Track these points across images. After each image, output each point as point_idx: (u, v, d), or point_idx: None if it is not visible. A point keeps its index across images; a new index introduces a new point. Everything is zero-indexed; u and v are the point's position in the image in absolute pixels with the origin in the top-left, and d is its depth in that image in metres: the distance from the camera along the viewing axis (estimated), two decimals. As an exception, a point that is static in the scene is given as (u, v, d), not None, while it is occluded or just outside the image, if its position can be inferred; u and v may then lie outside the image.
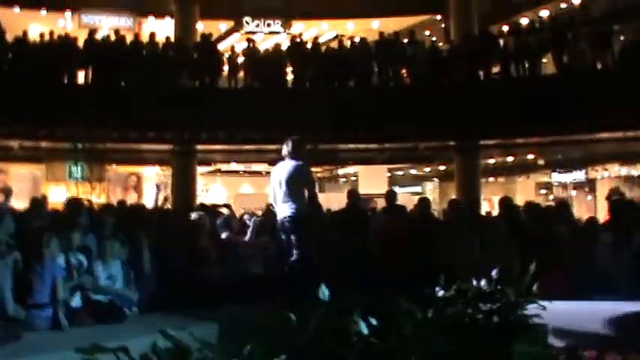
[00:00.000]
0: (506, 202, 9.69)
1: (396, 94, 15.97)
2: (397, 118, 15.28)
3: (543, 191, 24.24)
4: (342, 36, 17.88)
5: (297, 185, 7.21)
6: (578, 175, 22.28)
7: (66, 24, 19.96)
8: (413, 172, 26.68)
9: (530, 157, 21.02)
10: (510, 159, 21.63)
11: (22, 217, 7.50)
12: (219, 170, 24.87)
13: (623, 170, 20.45)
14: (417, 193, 24.93)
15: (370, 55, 16.49)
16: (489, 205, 17.31)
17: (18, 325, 5.46)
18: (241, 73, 16.89)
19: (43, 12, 19.69)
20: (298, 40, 17.02)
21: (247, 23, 19.79)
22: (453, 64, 16.11)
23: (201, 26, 18.62)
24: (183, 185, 17.31)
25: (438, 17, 20.40)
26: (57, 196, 16.70)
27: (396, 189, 23.19)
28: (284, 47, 17.18)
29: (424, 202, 10.11)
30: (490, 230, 8.72)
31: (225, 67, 16.79)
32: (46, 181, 19.31)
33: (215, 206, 12.04)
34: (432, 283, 5.66)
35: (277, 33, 19.94)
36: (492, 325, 3.79)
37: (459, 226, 8.87)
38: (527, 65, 15.69)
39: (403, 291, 5.93)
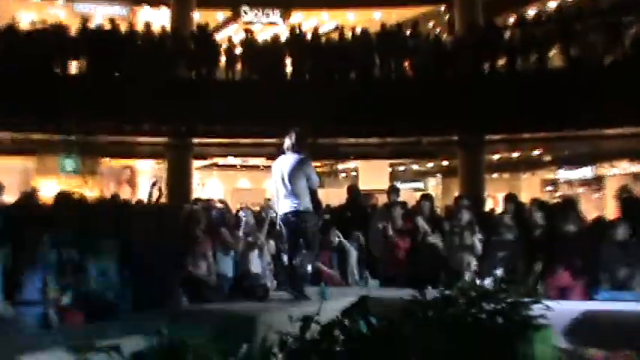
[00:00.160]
0: (511, 199, 9.68)
1: (398, 87, 15.93)
2: (399, 112, 15.26)
3: (549, 188, 24.18)
4: (342, 27, 17.81)
5: (302, 179, 7.23)
6: (586, 172, 22.23)
7: (58, 12, 19.89)
8: (415, 167, 26.64)
9: (536, 152, 20.98)
10: (515, 155, 21.58)
11: (12, 212, 7.47)
12: (215, 164, 24.84)
13: (633, 167, 20.41)
14: (420, 190, 24.91)
15: (372, 46, 16.45)
16: (494, 202, 17.25)
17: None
18: (239, 65, 16.84)
19: (34, -1, 19.67)
20: (297, 30, 16.96)
21: (245, 13, 19.75)
22: (457, 57, 16.07)
23: (197, 16, 18.56)
24: (179, 180, 17.27)
25: (442, 8, 20.35)
26: (48, 189, 16.68)
27: (398, 185, 23.26)
28: (283, 38, 17.13)
29: (428, 199, 10.09)
30: (494, 228, 8.70)
31: (223, 59, 16.73)
32: (37, 174, 19.28)
33: (210, 201, 12.04)
34: (435, 283, 5.66)
35: (276, 23, 19.90)
36: (496, 325, 3.77)
37: (463, 224, 8.85)
38: (533, 58, 15.63)
39: (405, 289, 5.93)
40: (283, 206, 7.28)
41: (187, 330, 2.84)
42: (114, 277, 6.60)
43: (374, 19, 19.49)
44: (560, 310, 4.56)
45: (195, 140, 17.50)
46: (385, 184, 13.39)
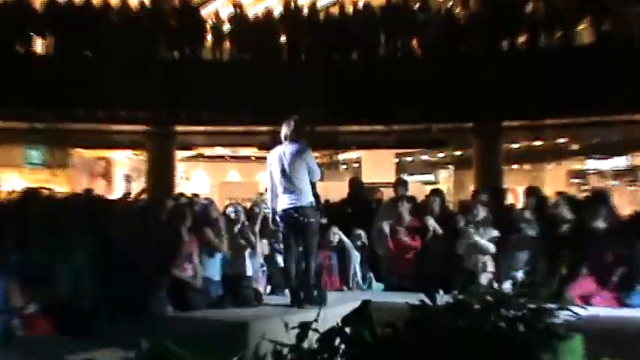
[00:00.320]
0: (532, 193, 9.67)
1: (406, 68, 15.90)
2: (407, 96, 15.23)
3: (577, 180, 24.22)
4: (343, 0, 17.78)
5: (303, 171, 7.31)
6: (619, 162, 22.24)
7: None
8: (424, 157, 26.68)
9: (562, 140, 20.97)
10: (538, 143, 21.60)
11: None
12: (201, 155, 24.84)
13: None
14: (429, 183, 24.94)
15: (376, 22, 16.42)
16: (513, 196, 17.27)
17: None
18: (227, 44, 16.80)
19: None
20: (293, 5, 16.92)
21: (234, -16, 19.71)
22: (472, 33, 16.04)
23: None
24: (160, 173, 17.26)
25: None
26: (11, 184, 16.69)
27: (405, 177, 23.27)
28: (276, 13, 17.10)
29: (438, 193, 10.09)
30: (514, 225, 8.70)
31: (209, 36, 16.70)
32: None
33: (195, 196, 12.04)
34: (446, 286, 5.66)
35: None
36: (517, 334, 3.76)
37: (479, 221, 8.85)
38: (558, 33, 15.59)
39: (414, 294, 5.93)
40: (282, 201, 7.30)
41: (170, 341, 2.83)
42: (88, 282, 6.58)
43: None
44: (587, 318, 4.55)
45: (179, 128, 17.46)
46: (391, 177, 13.41)
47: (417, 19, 16.40)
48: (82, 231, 6.89)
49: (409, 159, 26.56)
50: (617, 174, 22.79)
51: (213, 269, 7.97)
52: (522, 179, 22.20)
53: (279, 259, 8.63)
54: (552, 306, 3.93)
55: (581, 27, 16.06)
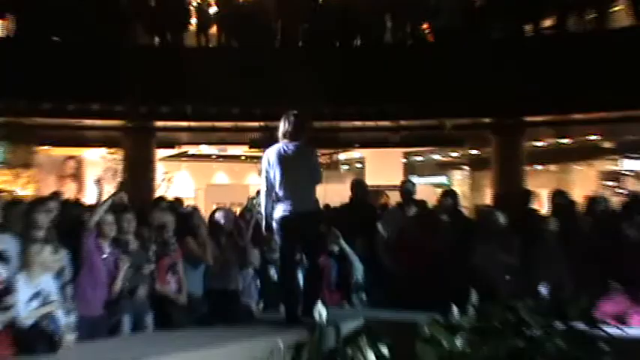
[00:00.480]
0: (559, 197, 9.67)
1: (415, 57, 15.93)
2: (416, 88, 15.24)
3: (610, 183, 24.21)
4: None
5: (307, 173, 7.37)
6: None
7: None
8: (436, 157, 26.71)
9: (593, 137, 20.96)
10: (565, 141, 21.60)
11: None
12: (185, 154, 24.84)
13: None
14: (442, 186, 24.93)
15: (381, 5, 16.44)
16: (537, 201, 17.29)
17: None
18: (214, 28, 16.80)
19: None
20: (288, -16, 16.95)
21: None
22: (491, 17, 16.05)
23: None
24: (138, 174, 17.26)
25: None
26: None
27: (414, 179, 23.27)
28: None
29: (451, 197, 10.08)
30: (538, 234, 8.69)
31: (193, 20, 16.69)
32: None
33: (178, 201, 12.04)
34: (461, 302, 5.64)
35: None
36: (542, 356, 3.77)
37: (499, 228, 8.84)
38: (591, 15, 15.58)
39: (423, 312, 5.91)
40: (282, 206, 7.30)
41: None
42: (54, 301, 6.55)
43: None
44: (622, 339, 4.54)
45: (159, 123, 17.46)
46: (398, 179, 13.36)
47: (427, 1, 16.41)
48: (47, 240, 6.85)
49: (419, 159, 26.59)
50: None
51: (196, 283, 7.95)
52: (547, 182, 22.21)
53: (273, 272, 8.61)
54: (582, 326, 3.93)
55: (616, 8, 16.01)
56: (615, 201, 12.70)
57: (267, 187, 7.37)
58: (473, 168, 26.64)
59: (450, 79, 15.06)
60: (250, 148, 20.55)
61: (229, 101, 15.74)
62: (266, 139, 17.13)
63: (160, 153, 19.84)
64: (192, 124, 17.70)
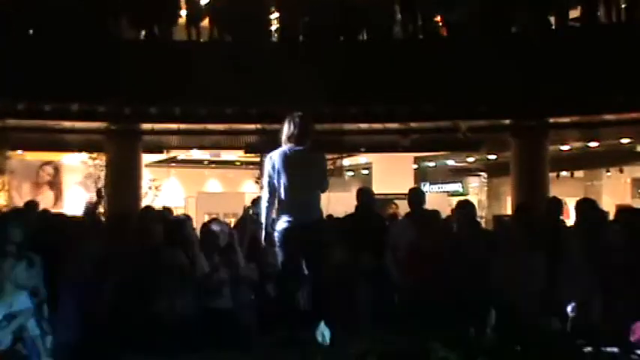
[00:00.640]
0: (587, 207, 9.65)
1: (427, 53, 15.91)
2: (429, 86, 15.24)
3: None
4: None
5: (315, 181, 7.49)
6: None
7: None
8: (450, 163, 26.71)
9: (625, 141, 20.93)
10: (594, 144, 21.58)
11: None
12: (174, 159, 24.86)
13: None
14: (457, 194, 24.96)
15: (391, -5, 16.49)
16: (562, 211, 17.32)
17: None
18: (206, 21, 16.82)
19: None
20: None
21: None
22: (511, 8, 16.06)
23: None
24: (123, 181, 17.26)
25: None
26: None
27: (425, 187, 23.26)
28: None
29: (467, 208, 10.08)
30: (563, 247, 8.69)
31: (183, 12, 16.71)
32: None
33: (168, 211, 12.05)
34: (478, 323, 5.64)
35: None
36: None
37: (520, 243, 8.84)
38: (622, 5, 15.56)
39: (437, 333, 5.90)
40: (287, 216, 7.34)
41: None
42: (29, 322, 6.55)
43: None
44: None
45: (145, 126, 17.47)
46: (408, 187, 13.36)
47: (441, -9, 16.45)
48: (21, 254, 6.84)
49: (431, 164, 26.60)
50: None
51: (187, 301, 7.95)
52: (574, 190, 22.24)
53: (269, 287, 8.62)
54: (614, 350, 3.93)
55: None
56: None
57: (269, 193, 7.40)
58: (490, 174, 26.68)
59: (466, 77, 15.04)
60: (246, 152, 20.56)
61: (223, 101, 15.73)
62: (263, 143, 17.19)
63: (147, 158, 19.83)
64: (182, 126, 17.70)
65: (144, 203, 16.37)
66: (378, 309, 9.25)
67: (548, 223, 9.61)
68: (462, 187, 27.87)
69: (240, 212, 11.12)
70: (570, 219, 11.01)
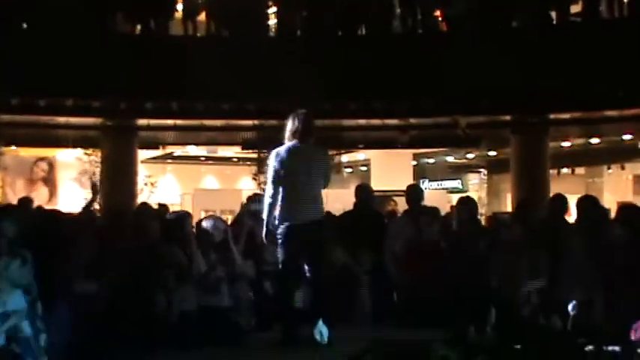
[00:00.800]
0: (588, 204, 9.65)
1: (427, 48, 15.90)
2: (428, 82, 15.24)
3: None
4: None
5: (320, 177, 7.55)
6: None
7: None
8: (450, 159, 26.73)
9: (626, 137, 20.93)
10: (595, 141, 21.58)
11: None
12: (170, 156, 24.85)
13: None
14: (456, 190, 24.97)
15: (390, -10, 16.47)
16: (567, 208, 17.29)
17: None
18: (202, 15, 16.80)
19: None
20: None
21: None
22: (512, 3, 16.05)
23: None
24: (118, 177, 17.26)
25: None
26: None
27: (425, 184, 23.27)
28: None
29: (468, 205, 10.07)
30: (564, 245, 8.68)
31: (179, 6, 16.69)
32: None
33: (164, 207, 12.05)
34: (478, 321, 5.63)
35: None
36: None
37: (520, 241, 8.84)
38: (625, 0, 15.53)
39: (436, 330, 5.90)
40: (290, 213, 7.35)
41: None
42: (23, 322, 6.54)
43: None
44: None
45: (141, 122, 17.45)
46: (407, 183, 13.35)
47: (441, -14, 16.44)
48: (14, 252, 6.82)
49: (430, 161, 26.62)
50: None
51: (187, 299, 7.93)
52: (575, 187, 22.22)
53: (266, 285, 8.62)
54: (615, 349, 3.92)
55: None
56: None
57: (274, 189, 7.40)
58: (490, 171, 26.69)
59: (465, 73, 15.03)
60: (243, 149, 20.57)
61: (220, 97, 15.72)
62: (260, 140, 17.20)
63: (143, 154, 19.83)
64: (179, 122, 17.68)
65: (139, 200, 16.36)
66: (376, 307, 9.25)
67: (549, 220, 9.60)
68: (462, 184, 27.89)
69: (237, 209, 11.09)
70: (571, 216, 11.00)
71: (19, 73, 14.77)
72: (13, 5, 15.69)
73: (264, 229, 7.58)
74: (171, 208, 13.73)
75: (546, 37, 15.54)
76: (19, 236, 7.18)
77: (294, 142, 7.50)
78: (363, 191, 10.79)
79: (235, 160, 26.64)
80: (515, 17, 16.05)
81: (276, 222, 7.41)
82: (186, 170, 26.89)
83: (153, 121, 17.51)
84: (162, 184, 24.47)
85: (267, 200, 7.51)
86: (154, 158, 23.63)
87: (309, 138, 7.58)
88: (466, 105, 16.16)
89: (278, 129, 7.80)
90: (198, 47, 16.27)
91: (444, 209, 10.83)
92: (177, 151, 24.41)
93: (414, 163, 24.60)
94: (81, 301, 7.21)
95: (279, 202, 7.39)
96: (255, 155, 20.11)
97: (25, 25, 15.94)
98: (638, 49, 14.38)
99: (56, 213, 10.03)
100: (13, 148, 20.01)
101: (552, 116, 17.01)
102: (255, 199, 9.51)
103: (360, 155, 25.73)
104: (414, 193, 10.35)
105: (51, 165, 22.31)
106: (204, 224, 8.67)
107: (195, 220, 9.49)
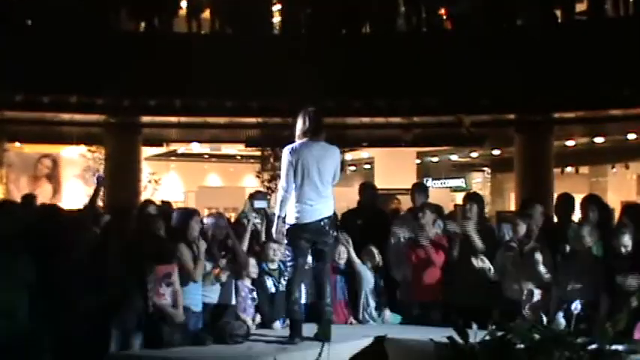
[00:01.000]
0: (592, 204, 9.61)
1: (431, 46, 15.90)
2: (432, 80, 15.22)
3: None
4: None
5: (330, 177, 7.60)
6: None
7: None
8: (453, 158, 26.70)
9: (631, 137, 20.89)
10: (599, 140, 21.54)
11: None
12: (173, 153, 24.84)
13: None
14: (459, 189, 24.94)
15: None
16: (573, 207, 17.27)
17: None
18: (206, 13, 16.79)
19: None
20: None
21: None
22: (517, 1, 16.02)
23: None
24: (122, 174, 17.25)
25: None
26: None
27: (428, 182, 23.25)
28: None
29: (475, 202, 10.02)
30: (568, 244, 8.65)
31: (184, 4, 16.68)
32: None
33: (167, 204, 12.02)
34: (482, 320, 5.62)
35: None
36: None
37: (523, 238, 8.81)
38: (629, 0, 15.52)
39: (438, 329, 5.88)
40: (304, 211, 7.37)
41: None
42: (24, 316, 6.53)
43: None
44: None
45: (145, 119, 17.45)
46: (411, 182, 13.35)
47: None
48: (17, 249, 6.80)
49: (434, 160, 26.58)
50: None
51: (193, 296, 7.91)
52: (579, 186, 22.17)
53: (269, 283, 8.59)
54: (619, 348, 3.90)
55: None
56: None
57: (287, 186, 7.42)
58: (494, 170, 26.64)
59: (470, 71, 15.04)
60: (246, 146, 20.55)
61: (223, 94, 15.73)
62: (264, 137, 17.18)
63: (146, 152, 19.82)
64: (182, 119, 17.70)
65: (143, 197, 16.35)
66: (379, 304, 9.23)
67: (554, 219, 9.56)
68: (465, 183, 27.88)
69: (240, 207, 11.07)
70: (575, 215, 10.98)
71: (24, 70, 14.80)
72: (18, 3, 15.70)
73: (275, 225, 7.62)
74: (175, 206, 13.73)
75: (551, 36, 15.53)
76: (23, 232, 7.17)
77: (304, 140, 7.51)
78: (367, 189, 10.78)
79: (238, 157, 26.63)
80: (519, 16, 16.03)
81: (287, 218, 7.43)
82: (189, 168, 26.89)
83: (156, 119, 17.54)
84: (166, 181, 24.49)
85: (279, 197, 7.53)
86: (158, 155, 23.63)
87: (320, 135, 7.59)
88: (470, 103, 16.16)
89: (281, 127, 7.84)
90: (201, 45, 16.29)
91: (448, 208, 10.79)
92: (181, 148, 24.40)
93: (418, 161, 24.56)
94: (83, 296, 7.20)
95: (292, 199, 7.42)
96: (258, 153, 20.05)
97: (29, 22, 15.95)
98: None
99: (58, 209, 10.01)
100: (17, 144, 20.02)
101: (556, 115, 17.00)
102: (258, 196, 9.49)
103: (363, 153, 25.71)
104: (418, 191, 10.33)
105: (55, 162, 22.26)
106: (207, 221, 8.65)
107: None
